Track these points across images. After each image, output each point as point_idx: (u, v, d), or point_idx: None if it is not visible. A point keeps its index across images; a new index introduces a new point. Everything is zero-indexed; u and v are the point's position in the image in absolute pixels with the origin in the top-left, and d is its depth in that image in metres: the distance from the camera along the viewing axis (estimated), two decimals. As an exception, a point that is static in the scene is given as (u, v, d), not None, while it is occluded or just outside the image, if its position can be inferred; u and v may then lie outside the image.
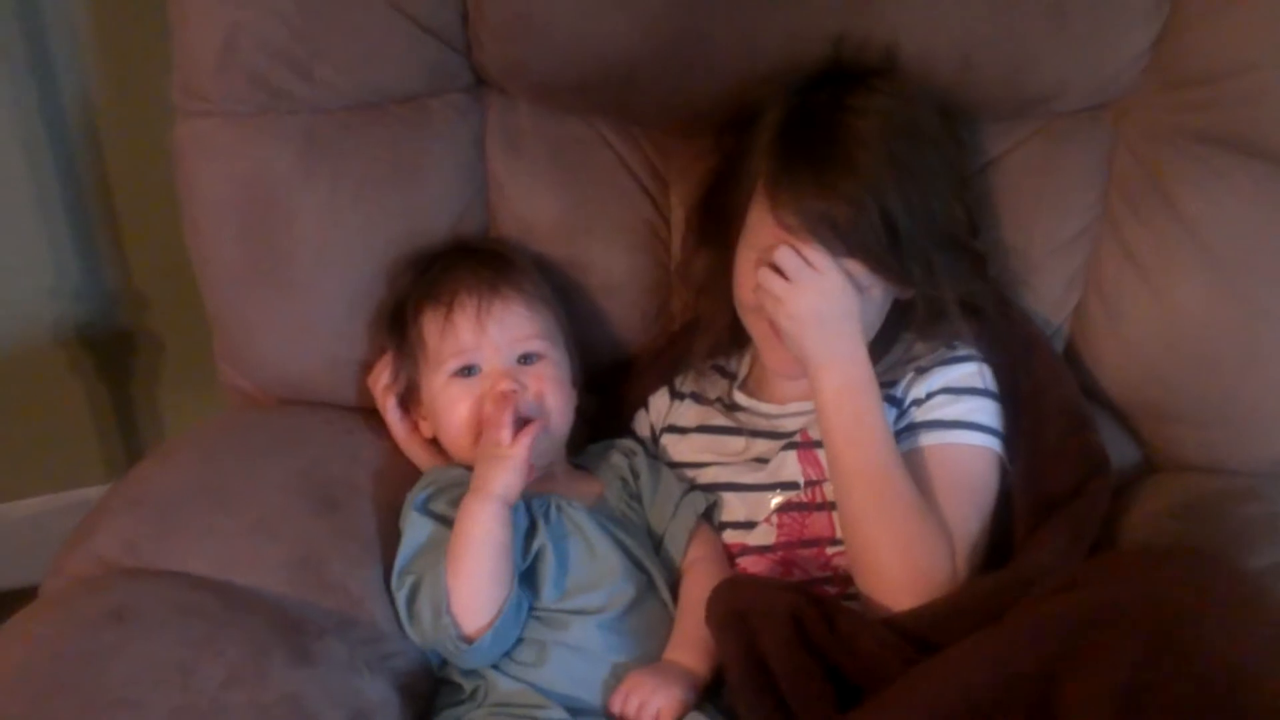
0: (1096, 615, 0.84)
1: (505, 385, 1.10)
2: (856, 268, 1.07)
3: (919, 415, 1.11)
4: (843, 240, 1.05)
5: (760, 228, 1.10)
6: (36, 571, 1.10)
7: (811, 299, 1.05)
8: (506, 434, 1.05)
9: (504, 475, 1.03)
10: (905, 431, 1.10)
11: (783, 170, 1.08)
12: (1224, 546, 1.09)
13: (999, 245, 1.23)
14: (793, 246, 1.05)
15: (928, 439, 1.09)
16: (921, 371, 1.12)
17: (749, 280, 1.11)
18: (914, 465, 1.08)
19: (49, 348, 1.63)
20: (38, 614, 0.98)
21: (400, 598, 1.04)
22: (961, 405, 1.10)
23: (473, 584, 1.00)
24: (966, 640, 0.89)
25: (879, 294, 1.10)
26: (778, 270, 1.06)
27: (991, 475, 1.10)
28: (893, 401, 1.12)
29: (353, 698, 0.96)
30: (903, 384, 1.12)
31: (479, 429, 1.09)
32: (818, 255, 1.05)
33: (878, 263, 1.07)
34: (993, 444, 1.10)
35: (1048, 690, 0.82)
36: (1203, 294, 1.19)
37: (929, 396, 1.11)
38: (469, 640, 0.99)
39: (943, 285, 1.10)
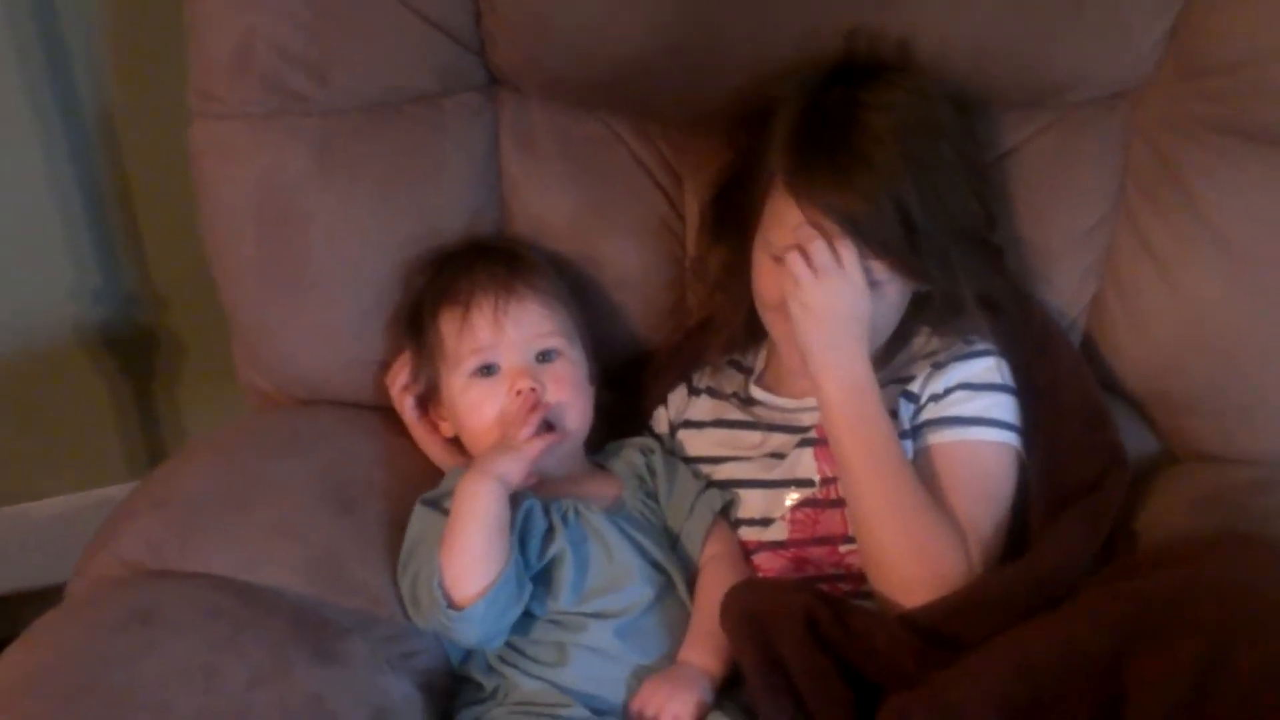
0: (1167, 595, 0.86)
1: (524, 383, 1.11)
2: (875, 264, 1.07)
3: (937, 412, 1.10)
4: (861, 236, 1.06)
5: (776, 224, 1.10)
6: (60, 571, 1.11)
7: (830, 295, 1.05)
8: (527, 432, 1.06)
9: (508, 462, 1.04)
10: (923, 428, 1.10)
11: (799, 167, 1.08)
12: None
13: (1015, 238, 1.23)
14: (827, 241, 1.05)
15: (946, 436, 1.09)
16: (939, 367, 1.12)
17: (767, 277, 1.12)
18: (932, 462, 1.08)
19: (70, 349, 1.64)
20: (63, 617, 0.99)
21: (404, 586, 1.05)
22: (980, 401, 1.10)
23: (463, 556, 1.00)
24: (1028, 623, 0.90)
25: (896, 290, 1.11)
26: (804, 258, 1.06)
27: (1009, 471, 1.10)
28: (910, 397, 1.12)
29: (376, 696, 0.97)
30: (920, 379, 1.12)
31: (502, 429, 1.10)
32: (848, 254, 1.05)
33: (895, 258, 1.07)
34: (1011, 439, 1.10)
35: (1116, 668, 0.83)
36: (1219, 284, 1.19)
37: (947, 392, 1.11)
38: (458, 609, 0.99)
39: (960, 280, 1.10)
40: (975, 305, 1.11)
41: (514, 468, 1.04)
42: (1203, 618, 0.81)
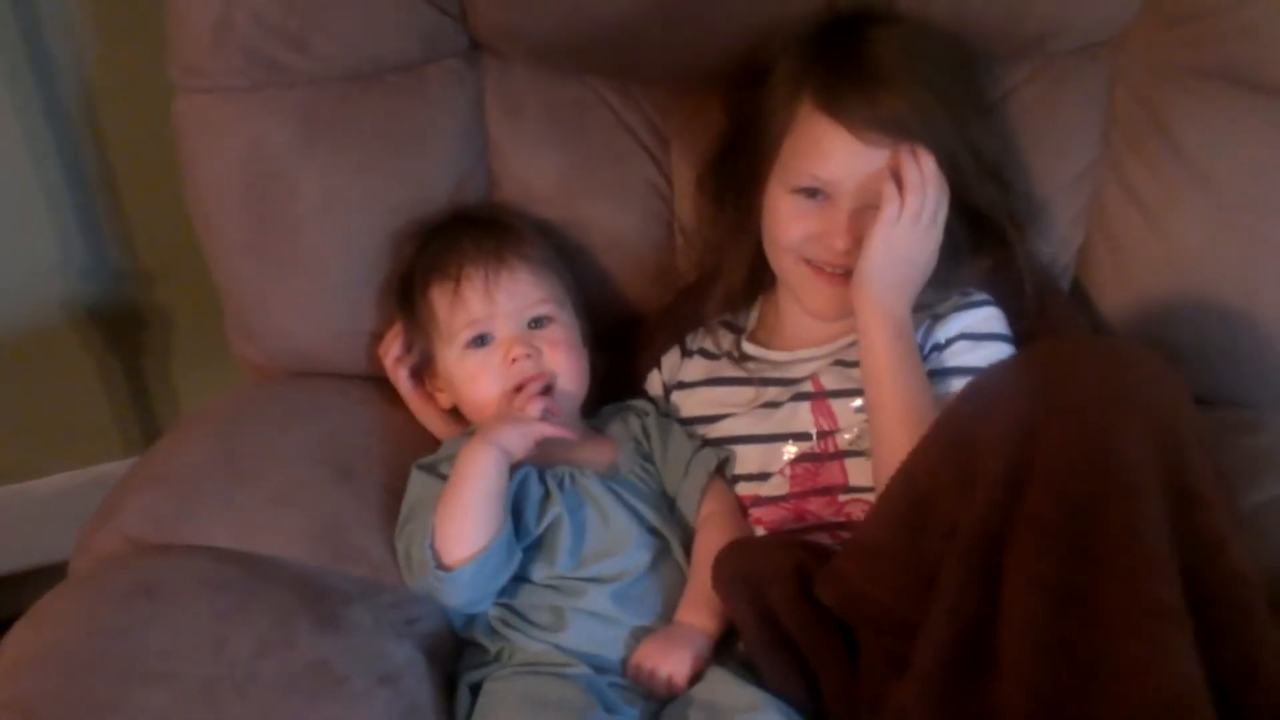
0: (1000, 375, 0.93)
1: (518, 350, 1.11)
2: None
3: (939, 362, 1.11)
4: (908, 131, 1.06)
5: (808, 153, 1.10)
6: (61, 549, 1.12)
7: (914, 242, 1.07)
8: (534, 408, 1.08)
9: (514, 434, 1.05)
10: (929, 378, 1.11)
11: (831, 87, 1.08)
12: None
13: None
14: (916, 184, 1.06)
15: (950, 387, 1.10)
16: (939, 318, 1.13)
17: (790, 217, 1.12)
18: None
19: (59, 326, 1.64)
20: (68, 593, 1.00)
21: (399, 546, 1.07)
22: (981, 351, 1.11)
23: (458, 520, 1.01)
24: None
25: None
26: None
27: None
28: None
29: (380, 661, 0.98)
30: (921, 330, 1.13)
31: (501, 399, 1.12)
32: (936, 207, 1.07)
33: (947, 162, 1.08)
34: None
35: (970, 446, 0.87)
36: (1204, 228, 1.20)
37: (948, 343, 1.12)
38: (447, 570, 1.01)
39: (994, 204, 1.12)
40: (969, 253, 1.12)
41: (519, 440, 1.05)
42: (1033, 381, 0.87)
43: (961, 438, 0.89)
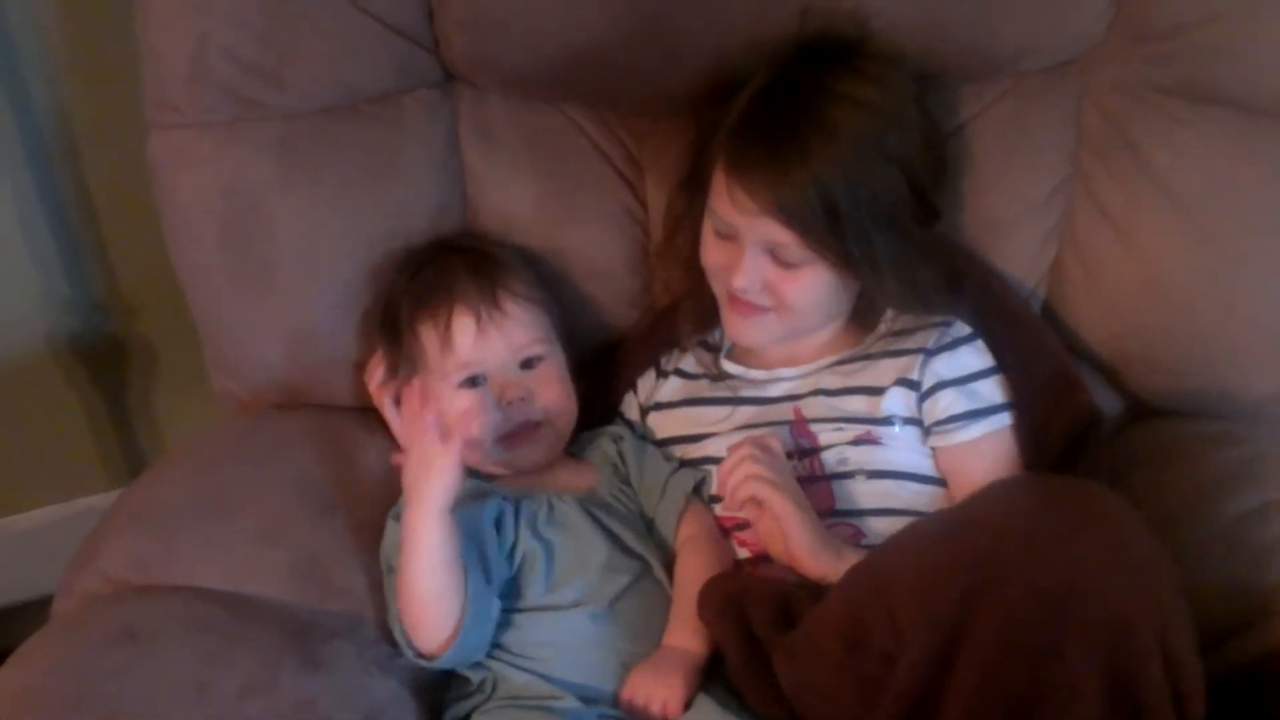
0: (941, 532, 0.91)
1: (512, 394, 1.13)
2: (794, 246, 1.09)
3: (944, 408, 1.13)
4: (784, 221, 1.08)
5: (719, 198, 1.12)
6: (46, 583, 1.12)
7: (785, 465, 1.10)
8: (433, 436, 1.01)
9: (438, 480, 1.00)
10: (945, 424, 1.13)
11: (738, 150, 1.10)
12: (1206, 490, 1.13)
13: (974, 208, 1.25)
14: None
15: (964, 435, 1.13)
16: (930, 355, 1.14)
17: (709, 246, 1.16)
18: (959, 458, 1.13)
19: (42, 360, 1.64)
20: (52, 635, 1.01)
21: (389, 604, 1.06)
22: (978, 392, 1.14)
23: (418, 613, 1.00)
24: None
25: (820, 272, 1.11)
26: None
27: (1016, 448, 1.15)
28: (909, 384, 1.14)
29: (365, 698, 0.98)
30: (916, 369, 1.14)
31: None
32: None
33: (816, 245, 1.09)
34: (1010, 418, 1.14)
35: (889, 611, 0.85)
36: (1174, 243, 1.20)
37: (943, 385, 1.13)
38: (431, 658, 1.01)
39: (884, 270, 1.11)
40: (931, 288, 1.14)
41: (447, 483, 1.00)
42: (975, 552, 0.83)
43: (888, 585, 0.87)
